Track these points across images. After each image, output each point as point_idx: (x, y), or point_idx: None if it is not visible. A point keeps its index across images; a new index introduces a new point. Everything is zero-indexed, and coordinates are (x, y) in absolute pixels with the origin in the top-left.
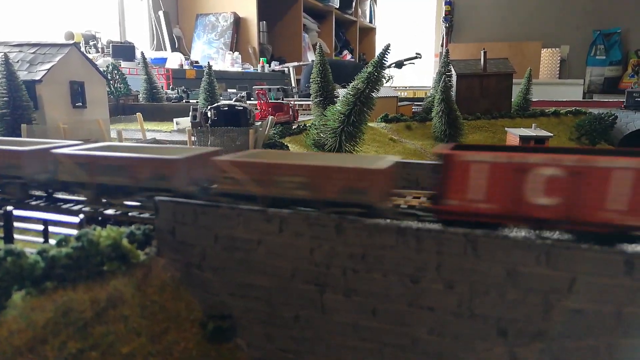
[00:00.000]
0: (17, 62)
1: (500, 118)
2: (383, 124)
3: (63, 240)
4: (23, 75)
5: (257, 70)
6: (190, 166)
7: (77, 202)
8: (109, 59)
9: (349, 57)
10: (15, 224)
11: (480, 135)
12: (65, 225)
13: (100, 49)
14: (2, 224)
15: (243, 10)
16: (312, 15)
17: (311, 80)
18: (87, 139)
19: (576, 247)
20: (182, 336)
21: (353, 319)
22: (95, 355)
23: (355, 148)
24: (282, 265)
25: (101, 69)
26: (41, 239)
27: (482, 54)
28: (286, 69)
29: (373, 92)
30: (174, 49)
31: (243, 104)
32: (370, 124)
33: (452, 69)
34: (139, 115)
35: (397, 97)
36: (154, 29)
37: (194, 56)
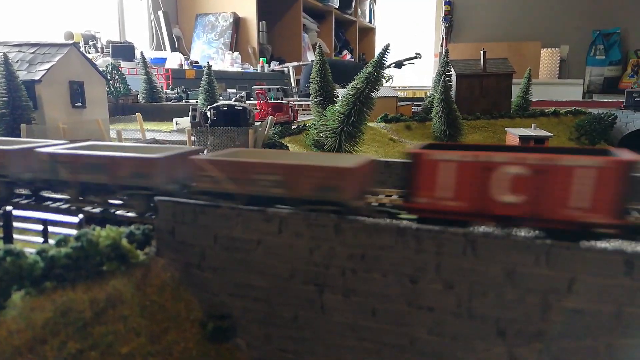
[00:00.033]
0: (17, 62)
1: (500, 118)
2: (383, 124)
3: (62, 240)
4: (22, 75)
5: (256, 70)
6: (169, 165)
7: (62, 201)
8: (109, 59)
9: (348, 57)
10: (15, 224)
11: (480, 135)
12: (64, 225)
13: (99, 49)
14: (1, 224)
15: (243, 10)
16: (311, 15)
17: (311, 80)
18: (87, 138)
19: (576, 248)
20: (182, 336)
21: (352, 319)
22: (94, 355)
23: (355, 148)
24: (282, 265)
25: (101, 69)
26: (41, 239)
27: (482, 54)
28: (286, 69)
29: (373, 92)
30: (173, 49)
31: (242, 104)
32: (369, 124)
33: (452, 69)
34: (138, 115)
35: (396, 97)
36: (154, 29)
37: (193, 56)
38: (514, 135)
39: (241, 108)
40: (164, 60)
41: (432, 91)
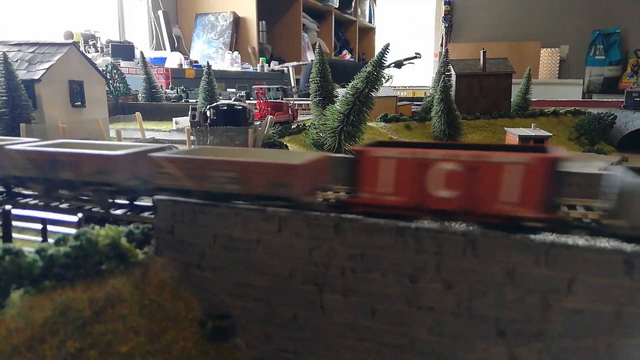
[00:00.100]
0: (16, 61)
1: (499, 118)
2: (382, 124)
3: (61, 239)
4: (22, 74)
5: (256, 69)
6: (130, 162)
7: (32, 197)
8: (108, 59)
9: (348, 56)
10: (14, 223)
11: (480, 135)
12: (63, 224)
13: (99, 49)
14: (0, 222)
15: (242, 10)
16: (311, 14)
17: (310, 79)
18: (87, 138)
19: (575, 247)
20: (181, 335)
21: (352, 319)
22: (93, 354)
23: None
24: (281, 265)
25: (100, 69)
26: (40, 238)
27: (482, 53)
28: (285, 69)
29: (372, 91)
30: (173, 49)
31: (242, 104)
32: (369, 124)
33: (452, 69)
34: (138, 114)
35: (396, 96)
36: (154, 28)
37: (193, 56)
38: (513, 135)
39: (241, 107)
40: (163, 59)
41: (432, 91)
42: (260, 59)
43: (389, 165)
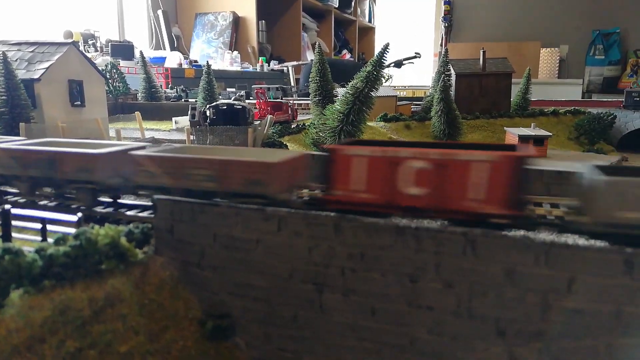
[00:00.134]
0: (16, 60)
1: (499, 117)
2: (382, 124)
3: (61, 239)
4: (21, 74)
5: (256, 69)
6: (111, 160)
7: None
8: (108, 58)
9: (348, 56)
10: (13, 223)
11: (480, 135)
12: (63, 224)
13: (99, 48)
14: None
15: (242, 10)
16: (311, 14)
17: (310, 79)
18: (86, 137)
19: (575, 247)
20: (181, 335)
21: (352, 318)
22: (93, 353)
23: None
24: (281, 264)
25: (100, 68)
26: (39, 238)
27: (481, 53)
28: (285, 68)
29: (372, 91)
30: (173, 48)
31: (242, 103)
32: (369, 123)
33: (451, 69)
34: (137, 114)
35: (396, 96)
36: (153, 28)
37: (193, 55)
38: (513, 134)
39: (240, 107)
40: (163, 59)
41: (432, 90)
42: (260, 58)
43: (361, 163)
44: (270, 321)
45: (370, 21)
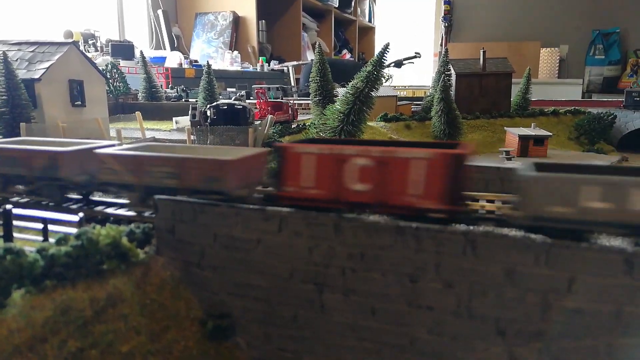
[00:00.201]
0: (16, 60)
1: (499, 117)
2: (382, 123)
3: (62, 239)
4: (22, 73)
5: (256, 69)
6: (76, 158)
7: None
8: (108, 58)
9: (348, 56)
10: (15, 223)
11: (480, 135)
12: (64, 224)
13: (99, 48)
14: (1, 222)
15: (242, 9)
16: (311, 14)
17: (310, 79)
18: (87, 137)
19: (575, 247)
20: (182, 335)
21: (352, 318)
22: (94, 353)
23: None
24: (281, 264)
25: (100, 68)
26: (41, 238)
27: (481, 53)
28: (285, 68)
29: (372, 91)
30: (173, 48)
31: (242, 103)
32: (369, 123)
33: (452, 69)
34: (138, 114)
35: (396, 96)
36: (153, 27)
37: (193, 55)
38: (513, 134)
39: (241, 107)
40: (163, 59)
41: (432, 90)
42: (260, 58)
43: (310, 160)
44: (270, 321)
45: (370, 21)
